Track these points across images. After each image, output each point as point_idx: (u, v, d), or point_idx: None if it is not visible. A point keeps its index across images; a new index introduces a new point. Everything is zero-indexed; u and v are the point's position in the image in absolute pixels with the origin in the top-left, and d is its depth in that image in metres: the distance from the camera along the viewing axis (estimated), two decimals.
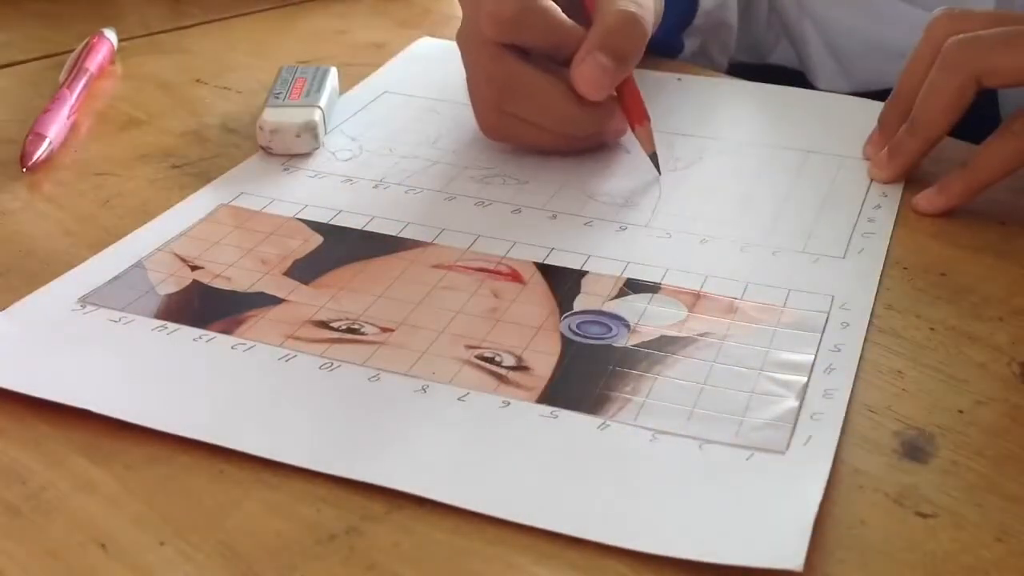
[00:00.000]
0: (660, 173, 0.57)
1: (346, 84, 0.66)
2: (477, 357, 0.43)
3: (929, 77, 0.54)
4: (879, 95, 0.62)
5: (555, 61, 0.55)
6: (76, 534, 0.35)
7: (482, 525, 0.36)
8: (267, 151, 0.58)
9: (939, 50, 0.53)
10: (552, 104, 0.55)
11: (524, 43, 0.55)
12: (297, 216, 0.52)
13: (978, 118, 0.55)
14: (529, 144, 0.58)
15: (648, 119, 0.57)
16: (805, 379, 0.42)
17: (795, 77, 0.80)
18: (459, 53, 0.58)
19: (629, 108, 0.57)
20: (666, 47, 0.71)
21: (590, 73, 0.54)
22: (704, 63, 0.75)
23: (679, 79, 0.68)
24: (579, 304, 0.46)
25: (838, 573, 0.34)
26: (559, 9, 0.55)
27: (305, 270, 0.48)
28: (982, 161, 0.53)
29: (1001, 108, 0.70)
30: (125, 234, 0.50)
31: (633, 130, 0.57)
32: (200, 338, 0.43)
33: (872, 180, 0.56)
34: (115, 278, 0.47)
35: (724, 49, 0.76)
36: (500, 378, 0.42)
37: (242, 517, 0.36)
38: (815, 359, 0.43)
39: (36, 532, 0.35)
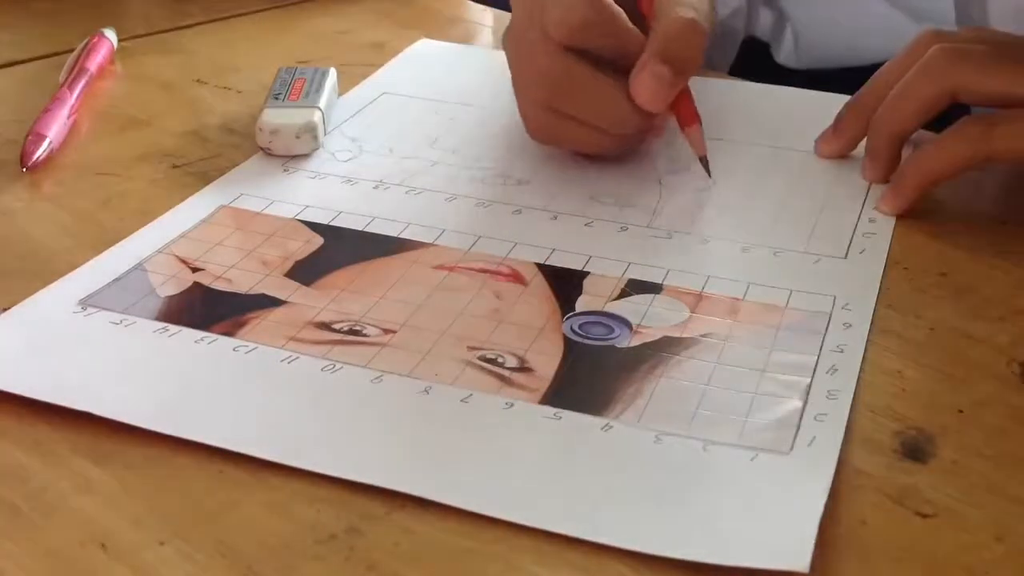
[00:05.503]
0: (711, 177, 0.56)
1: (346, 84, 0.66)
2: (479, 358, 0.43)
3: (906, 77, 0.53)
4: (828, 73, 0.61)
5: (618, 68, 0.54)
6: (76, 534, 0.35)
7: (482, 525, 0.35)
8: (267, 152, 0.58)
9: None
10: (606, 103, 0.54)
11: (590, 49, 0.53)
12: (297, 217, 0.52)
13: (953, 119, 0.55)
14: (576, 145, 0.57)
15: (699, 121, 0.56)
16: (808, 380, 0.42)
17: (760, 46, 0.80)
18: (504, 53, 0.56)
19: (680, 109, 0.56)
20: None
21: (649, 84, 0.52)
22: (704, 68, 0.75)
23: None
24: (581, 305, 0.46)
25: (838, 573, 0.34)
26: (625, 16, 0.54)
27: (306, 272, 0.48)
28: (933, 157, 0.52)
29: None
30: (125, 234, 0.50)
31: (683, 131, 0.56)
32: (202, 340, 0.43)
33: (867, 180, 0.56)
34: (116, 280, 0.47)
35: (725, 56, 0.76)
36: (503, 379, 0.42)
37: (242, 517, 0.36)
38: (818, 360, 0.43)
39: (36, 532, 0.35)
